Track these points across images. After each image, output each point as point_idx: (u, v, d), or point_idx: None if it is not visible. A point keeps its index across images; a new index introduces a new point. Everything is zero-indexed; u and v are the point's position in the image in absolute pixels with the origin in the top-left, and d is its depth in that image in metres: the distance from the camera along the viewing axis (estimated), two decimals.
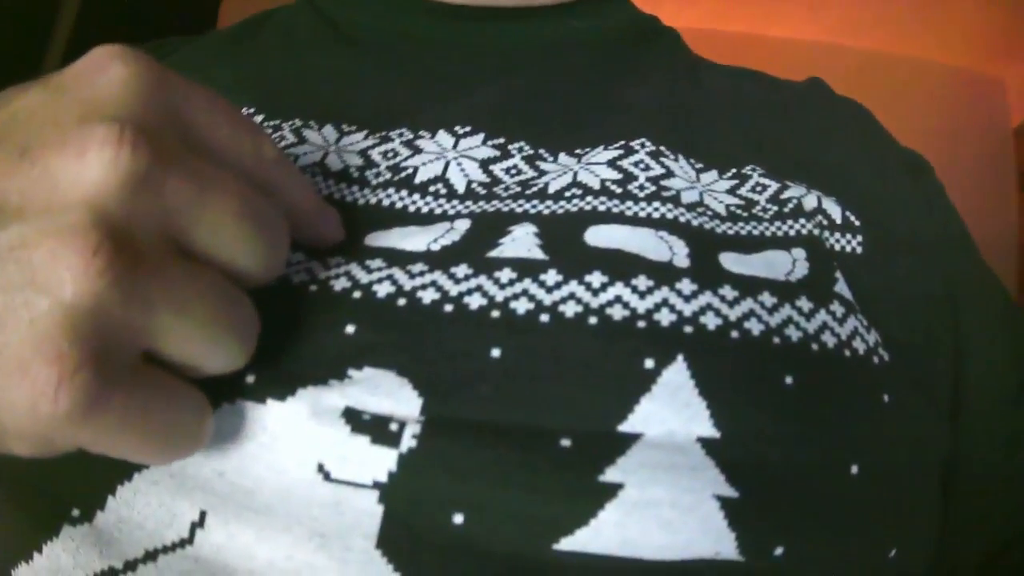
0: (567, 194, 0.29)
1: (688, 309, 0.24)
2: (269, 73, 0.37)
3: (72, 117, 0.18)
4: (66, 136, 0.18)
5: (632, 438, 0.22)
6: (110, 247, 0.17)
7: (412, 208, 0.28)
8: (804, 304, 0.26)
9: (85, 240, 0.17)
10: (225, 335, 0.20)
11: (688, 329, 0.24)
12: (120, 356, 0.18)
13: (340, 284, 0.25)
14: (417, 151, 0.31)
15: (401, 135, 0.31)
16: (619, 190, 0.29)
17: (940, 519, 0.30)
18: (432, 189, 0.29)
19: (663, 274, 0.25)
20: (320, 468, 0.22)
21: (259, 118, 0.33)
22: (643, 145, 0.31)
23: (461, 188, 0.29)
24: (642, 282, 0.25)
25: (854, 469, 0.24)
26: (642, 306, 0.24)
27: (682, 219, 0.28)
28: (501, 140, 0.31)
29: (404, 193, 0.29)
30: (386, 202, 0.29)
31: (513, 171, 0.30)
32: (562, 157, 0.31)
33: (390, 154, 0.31)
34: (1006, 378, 0.34)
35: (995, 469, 0.33)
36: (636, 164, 0.30)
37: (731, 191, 0.30)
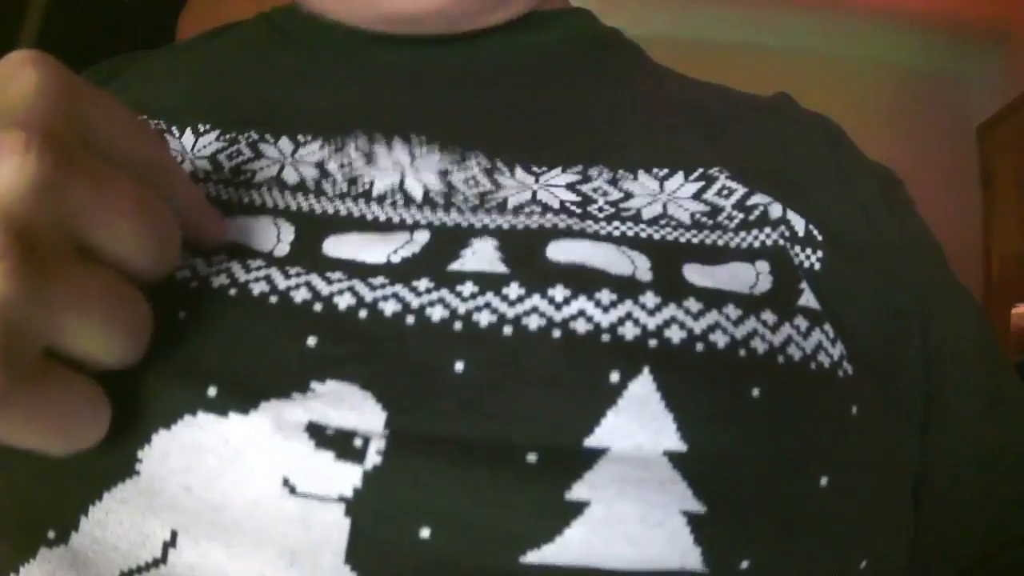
0: (527, 210, 0.29)
1: (652, 323, 0.24)
2: (226, 83, 0.37)
3: None
4: None
5: (598, 453, 0.22)
6: (16, 251, 0.18)
7: (370, 217, 0.29)
8: (769, 317, 0.26)
9: None
10: (119, 332, 0.21)
11: (653, 343, 0.24)
12: (24, 354, 0.18)
13: (300, 295, 0.25)
14: (372, 162, 0.31)
15: (356, 143, 0.31)
16: (579, 210, 0.29)
17: (911, 529, 0.30)
18: (390, 200, 0.29)
19: (626, 288, 0.25)
20: (285, 482, 0.22)
21: (215, 132, 0.33)
22: (600, 172, 0.31)
23: (419, 196, 0.29)
24: (605, 296, 0.25)
25: (823, 481, 0.24)
26: (606, 320, 0.24)
27: (643, 235, 0.28)
28: (456, 154, 0.31)
29: (362, 204, 0.29)
30: (343, 211, 0.29)
31: (471, 182, 0.30)
32: (519, 173, 0.31)
33: (346, 165, 0.31)
34: (979, 391, 0.34)
35: (969, 480, 0.33)
36: (595, 190, 0.30)
37: (697, 195, 0.30)
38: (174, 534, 0.22)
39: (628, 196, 0.30)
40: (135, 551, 0.22)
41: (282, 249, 0.27)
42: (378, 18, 0.35)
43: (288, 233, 0.28)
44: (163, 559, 0.22)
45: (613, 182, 0.30)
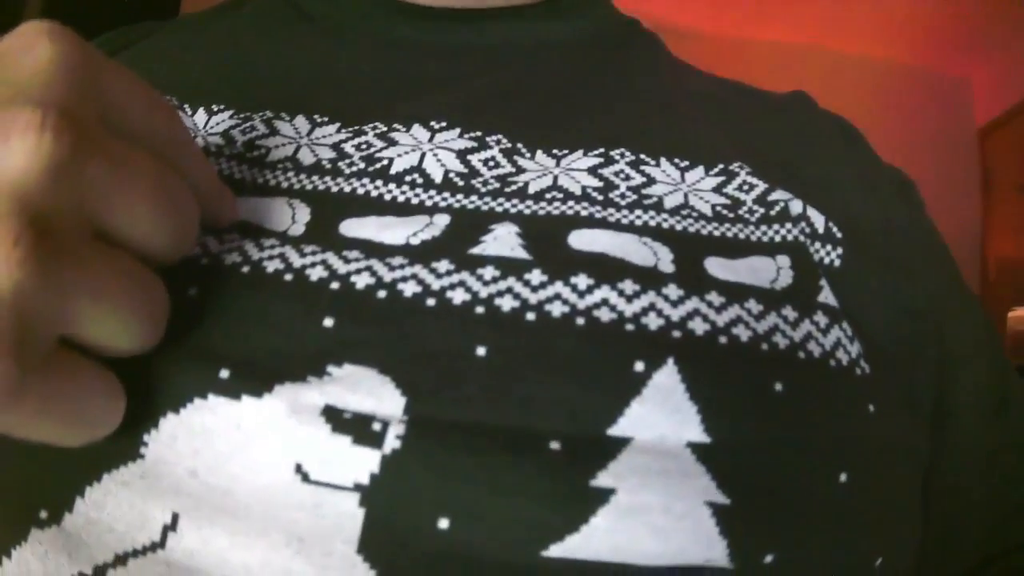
0: (548, 196, 0.28)
1: (676, 314, 0.24)
2: (241, 61, 0.36)
3: None
4: None
5: (622, 442, 0.22)
6: (31, 236, 0.17)
7: (388, 197, 0.28)
8: (789, 313, 0.26)
9: (6, 229, 0.17)
10: (137, 319, 0.20)
11: (677, 334, 0.24)
12: (38, 343, 0.18)
13: (316, 273, 0.25)
14: (392, 143, 0.30)
15: (375, 128, 0.31)
16: (600, 197, 0.28)
17: (921, 529, 0.30)
18: (408, 179, 0.29)
19: (649, 279, 0.25)
20: (298, 469, 0.21)
21: (229, 112, 0.32)
22: (623, 155, 0.30)
23: (438, 178, 0.29)
24: (628, 286, 0.24)
25: (843, 477, 0.24)
26: (629, 310, 0.24)
27: (665, 225, 0.28)
28: (478, 133, 0.31)
29: (379, 183, 0.28)
30: (360, 191, 0.28)
31: (491, 163, 0.29)
32: (540, 156, 0.30)
33: (363, 146, 0.30)
34: (987, 394, 0.34)
35: (975, 483, 0.33)
36: (616, 174, 0.30)
37: (717, 189, 0.30)
38: (175, 517, 0.21)
39: (650, 181, 0.30)
40: (132, 534, 0.22)
41: (297, 229, 0.26)
42: None
43: (304, 214, 0.27)
44: (162, 543, 0.21)
45: (635, 165, 0.30)
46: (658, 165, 0.30)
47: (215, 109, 0.32)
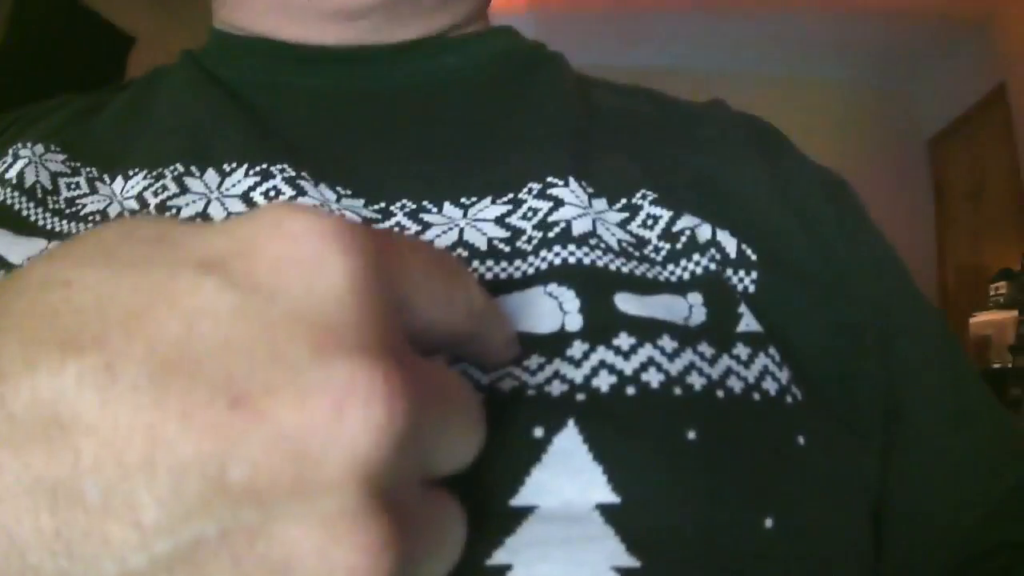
0: (454, 253, 0.27)
1: (579, 375, 0.23)
2: (155, 130, 0.36)
3: (298, 347, 0.14)
4: (304, 382, 0.14)
5: (525, 512, 0.21)
6: (393, 534, 0.14)
7: None
8: (706, 349, 0.25)
9: (367, 536, 0.14)
10: (448, 560, 0.18)
11: (580, 396, 0.23)
12: None
13: None
14: (302, 193, 0.30)
15: (283, 171, 0.31)
16: (507, 248, 0.28)
17: (870, 554, 0.29)
18: None
19: (553, 345, 0.24)
20: None
21: (142, 173, 0.32)
22: (530, 191, 0.30)
23: None
24: (533, 361, 0.24)
25: (768, 523, 0.23)
26: (532, 380, 0.23)
27: (572, 260, 0.27)
28: (382, 204, 0.30)
29: None
30: None
31: (396, 228, 0.29)
32: (447, 208, 0.30)
33: (272, 192, 0.30)
34: (945, 403, 0.33)
35: (939, 495, 0.33)
36: (524, 216, 0.29)
37: (622, 225, 0.29)
38: None
39: (559, 204, 0.29)
40: None
41: None
42: (317, 14, 0.34)
43: None
44: None
45: (542, 193, 0.30)
46: (567, 186, 0.30)
47: (130, 174, 0.32)
